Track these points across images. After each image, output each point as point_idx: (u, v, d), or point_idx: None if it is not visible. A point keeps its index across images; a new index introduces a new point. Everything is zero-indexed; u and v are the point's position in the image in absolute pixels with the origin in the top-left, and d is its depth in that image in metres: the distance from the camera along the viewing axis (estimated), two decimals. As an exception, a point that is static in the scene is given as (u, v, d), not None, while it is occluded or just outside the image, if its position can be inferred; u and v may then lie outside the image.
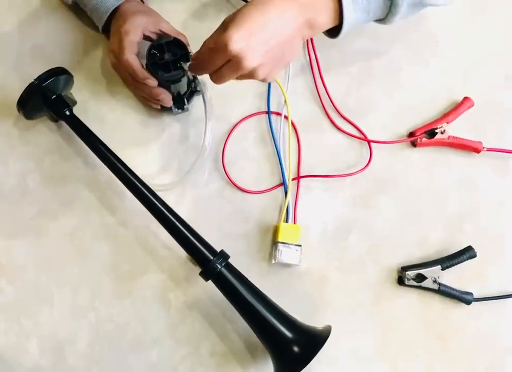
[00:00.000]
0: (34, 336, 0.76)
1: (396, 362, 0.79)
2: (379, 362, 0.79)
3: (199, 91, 0.80)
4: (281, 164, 0.82)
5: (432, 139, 0.83)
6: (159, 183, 0.79)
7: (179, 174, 0.81)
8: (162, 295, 0.78)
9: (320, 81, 0.84)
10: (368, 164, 0.82)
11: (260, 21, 0.61)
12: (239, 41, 0.60)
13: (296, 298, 0.79)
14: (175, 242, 0.73)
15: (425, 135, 0.83)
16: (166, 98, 0.76)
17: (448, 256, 0.80)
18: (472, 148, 0.84)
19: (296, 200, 0.81)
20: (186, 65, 0.70)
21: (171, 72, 0.71)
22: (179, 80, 0.73)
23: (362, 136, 0.83)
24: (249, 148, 0.83)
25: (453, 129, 0.83)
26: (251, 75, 0.64)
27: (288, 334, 0.69)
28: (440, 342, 0.80)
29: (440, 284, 0.79)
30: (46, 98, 0.74)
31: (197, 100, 0.82)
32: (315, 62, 0.85)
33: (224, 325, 0.78)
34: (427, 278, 0.79)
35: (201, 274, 0.71)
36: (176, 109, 0.80)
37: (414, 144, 0.84)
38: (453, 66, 0.87)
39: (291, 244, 0.78)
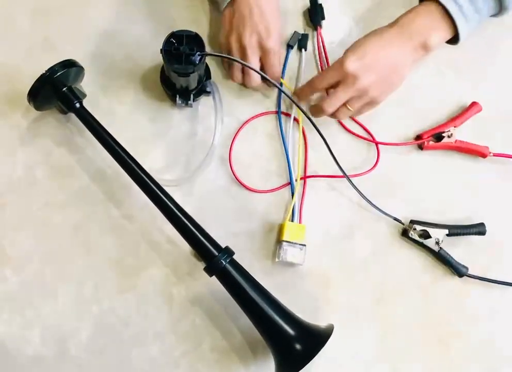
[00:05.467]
0: (37, 327, 0.77)
1: (396, 365, 0.80)
2: (380, 364, 0.80)
3: (208, 92, 0.80)
4: (288, 163, 0.82)
5: (439, 143, 0.83)
6: (166, 178, 0.79)
7: (186, 171, 0.81)
8: (165, 290, 0.78)
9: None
10: (375, 165, 0.83)
11: (374, 47, 0.72)
12: (355, 61, 0.70)
13: (299, 297, 0.79)
14: (179, 236, 0.73)
15: (432, 138, 0.83)
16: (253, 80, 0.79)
17: (458, 225, 0.81)
18: (478, 152, 0.84)
19: (302, 200, 0.81)
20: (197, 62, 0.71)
21: (182, 64, 0.72)
22: (187, 75, 0.73)
23: (370, 138, 0.84)
24: (257, 147, 0.83)
25: (461, 133, 0.84)
26: (362, 94, 0.72)
27: (291, 331, 0.69)
28: (440, 345, 0.81)
29: (440, 248, 0.80)
30: (56, 90, 0.74)
31: (206, 98, 0.83)
32: (325, 63, 0.85)
33: (226, 321, 0.78)
34: (431, 237, 0.80)
35: (205, 269, 0.72)
36: (180, 102, 0.80)
37: (421, 147, 0.84)
38: (462, 71, 0.87)
39: (296, 243, 0.78)
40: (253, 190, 0.82)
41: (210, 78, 0.81)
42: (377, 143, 0.83)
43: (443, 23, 0.72)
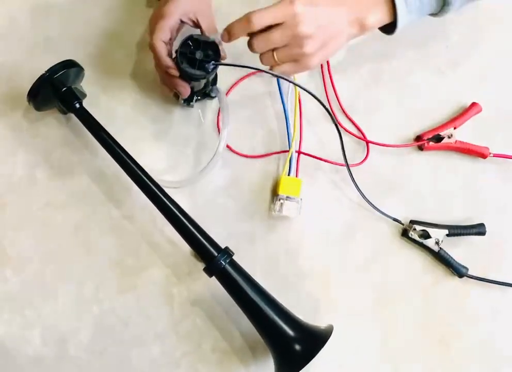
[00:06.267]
0: (37, 327, 0.77)
1: (397, 365, 0.80)
2: (380, 364, 0.80)
3: (212, 96, 0.80)
4: (285, 110, 0.81)
5: (439, 143, 0.83)
6: (166, 179, 0.79)
7: (186, 172, 0.81)
8: (166, 291, 0.78)
9: (330, 82, 0.84)
10: (363, 160, 0.83)
11: (325, 2, 0.67)
12: (306, 4, 0.65)
13: (299, 297, 0.79)
14: (179, 237, 0.73)
15: (432, 139, 0.83)
16: (183, 91, 0.75)
17: (458, 225, 0.81)
18: (478, 153, 0.84)
19: (297, 172, 0.81)
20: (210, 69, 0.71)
21: (195, 69, 0.70)
22: (197, 80, 0.73)
23: (361, 136, 0.84)
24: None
25: (461, 134, 0.84)
26: (296, 44, 0.66)
27: (290, 332, 0.69)
28: (440, 345, 0.81)
29: (440, 248, 0.80)
30: (56, 90, 0.74)
31: (207, 101, 0.83)
32: (325, 63, 0.85)
33: (226, 321, 0.78)
34: (431, 237, 0.80)
35: (205, 269, 0.72)
36: (182, 101, 0.80)
37: (421, 148, 0.84)
38: (462, 71, 0.87)
39: (292, 197, 0.79)
40: (245, 156, 0.82)
41: (216, 84, 0.80)
42: (367, 142, 0.83)
43: (383, 3, 0.70)
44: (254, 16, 0.65)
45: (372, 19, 0.69)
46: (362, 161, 0.83)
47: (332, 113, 0.73)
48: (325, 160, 0.82)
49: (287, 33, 0.65)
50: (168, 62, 0.72)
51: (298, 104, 0.82)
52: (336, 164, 0.82)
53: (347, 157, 0.78)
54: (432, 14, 0.75)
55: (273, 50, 0.67)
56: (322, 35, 0.67)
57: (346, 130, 0.84)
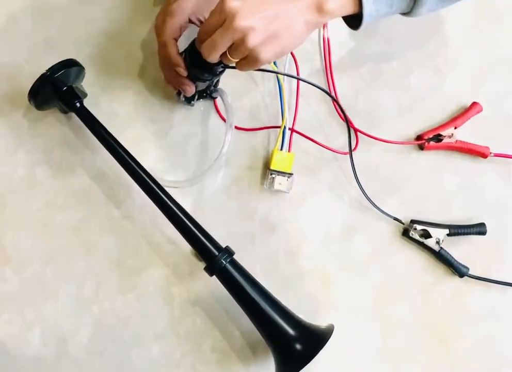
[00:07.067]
0: (37, 327, 0.77)
1: (397, 365, 0.80)
2: (380, 363, 0.80)
3: (214, 97, 0.80)
4: (279, 83, 0.81)
5: (440, 143, 0.83)
6: (167, 179, 0.79)
7: (187, 171, 0.81)
8: (166, 290, 0.78)
9: (331, 82, 0.84)
10: (353, 149, 0.82)
11: None
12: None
13: (299, 297, 0.79)
14: (179, 236, 0.73)
15: (432, 139, 0.83)
16: (189, 90, 0.74)
17: (458, 225, 0.81)
18: (479, 152, 0.84)
19: (289, 147, 0.81)
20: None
21: (203, 70, 0.70)
22: (204, 81, 0.73)
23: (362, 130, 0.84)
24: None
25: (461, 133, 0.84)
26: (242, 39, 0.61)
27: (291, 331, 0.69)
28: (440, 345, 0.81)
29: (441, 247, 0.80)
30: (57, 90, 0.74)
31: (207, 102, 0.83)
32: (328, 62, 0.85)
33: (226, 321, 0.78)
34: (431, 237, 0.80)
35: (206, 269, 0.72)
36: (183, 99, 0.80)
37: (421, 147, 0.84)
38: (462, 71, 0.87)
39: (284, 172, 0.80)
40: (241, 129, 0.82)
41: (218, 85, 0.80)
42: (356, 131, 0.83)
43: None
44: (199, 31, 0.65)
45: (332, 4, 0.63)
46: (351, 151, 0.82)
47: (340, 104, 0.73)
48: (323, 146, 0.82)
49: (226, 31, 0.61)
50: (179, 60, 0.72)
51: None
52: (329, 149, 0.82)
53: (351, 157, 0.79)
54: (405, 13, 0.70)
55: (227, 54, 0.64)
56: (268, 25, 0.61)
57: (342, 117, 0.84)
